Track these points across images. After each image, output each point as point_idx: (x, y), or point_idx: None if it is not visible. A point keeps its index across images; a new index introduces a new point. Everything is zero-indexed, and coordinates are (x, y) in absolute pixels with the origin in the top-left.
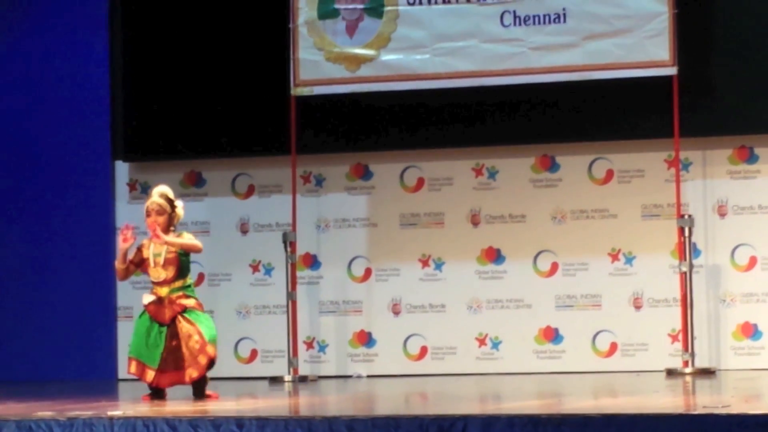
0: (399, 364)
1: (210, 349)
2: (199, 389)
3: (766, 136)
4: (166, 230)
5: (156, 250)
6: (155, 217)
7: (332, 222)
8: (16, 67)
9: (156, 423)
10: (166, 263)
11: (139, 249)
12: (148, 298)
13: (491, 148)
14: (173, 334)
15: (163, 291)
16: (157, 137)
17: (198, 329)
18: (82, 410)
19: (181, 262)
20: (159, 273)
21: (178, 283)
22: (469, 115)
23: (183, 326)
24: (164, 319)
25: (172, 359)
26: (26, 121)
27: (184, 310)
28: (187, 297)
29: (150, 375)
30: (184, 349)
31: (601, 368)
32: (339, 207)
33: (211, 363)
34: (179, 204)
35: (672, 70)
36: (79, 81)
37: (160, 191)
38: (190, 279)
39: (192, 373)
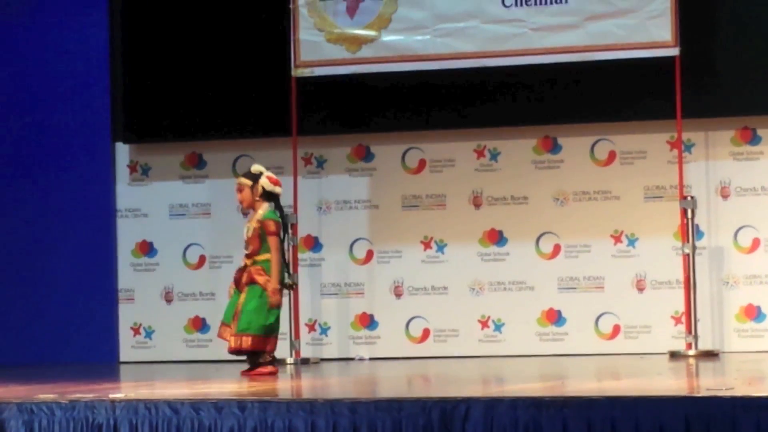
0: (401, 346)
1: (234, 340)
2: (251, 360)
3: None
4: (252, 203)
5: (248, 224)
6: (239, 197)
7: (333, 204)
8: (14, 47)
9: (158, 405)
10: (251, 238)
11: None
12: (239, 267)
13: (493, 130)
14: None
15: (248, 261)
16: (157, 119)
17: (239, 314)
18: (83, 393)
19: (261, 239)
20: (246, 246)
21: (259, 258)
22: (471, 96)
23: (242, 299)
24: (240, 286)
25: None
26: (26, 102)
27: (251, 282)
28: (262, 273)
29: (224, 332)
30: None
31: (604, 350)
32: (340, 189)
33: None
34: (264, 175)
35: (674, 51)
36: (79, 62)
37: (246, 169)
38: (268, 256)
39: (231, 342)
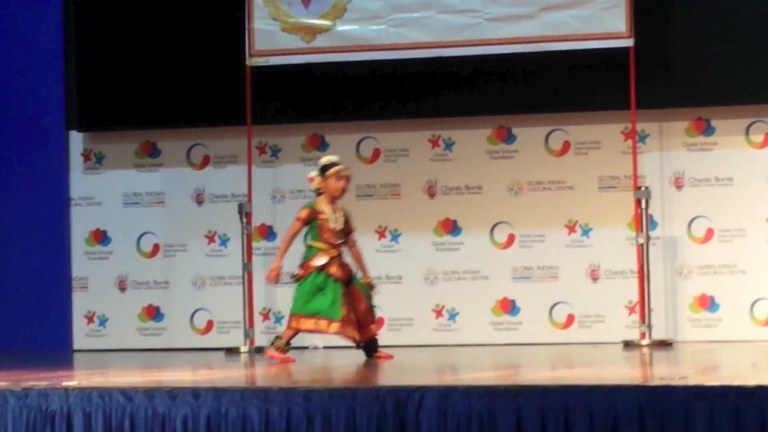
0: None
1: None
2: (374, 347)
3: (722, 108)
4: None
5: (337, 214)
6: (346, 185)
7: (288, 193)
8: None
9: (111, 394)
10: (344, 229)
11: (310, 208)
12: (322, 259)
13: (448, 120)
14: (350, 292)
15: (335, 252)
16: (111, 107)
17: (367, 302)
18: (37, 381)
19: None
20: (339, 237)
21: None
22: (426, 86)
23: (356, 289)
24: (343, 277)
25: (354, 315)
26: None
27: (352, 274)
28: (345, 261)
29: (335, 327)
30: (359, 309)
31: (558, 340)
32: (295, 178)
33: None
34: None
35: (629, 42)
36: (32, 50)
37: (329, 161)
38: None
39: (375, 329)
